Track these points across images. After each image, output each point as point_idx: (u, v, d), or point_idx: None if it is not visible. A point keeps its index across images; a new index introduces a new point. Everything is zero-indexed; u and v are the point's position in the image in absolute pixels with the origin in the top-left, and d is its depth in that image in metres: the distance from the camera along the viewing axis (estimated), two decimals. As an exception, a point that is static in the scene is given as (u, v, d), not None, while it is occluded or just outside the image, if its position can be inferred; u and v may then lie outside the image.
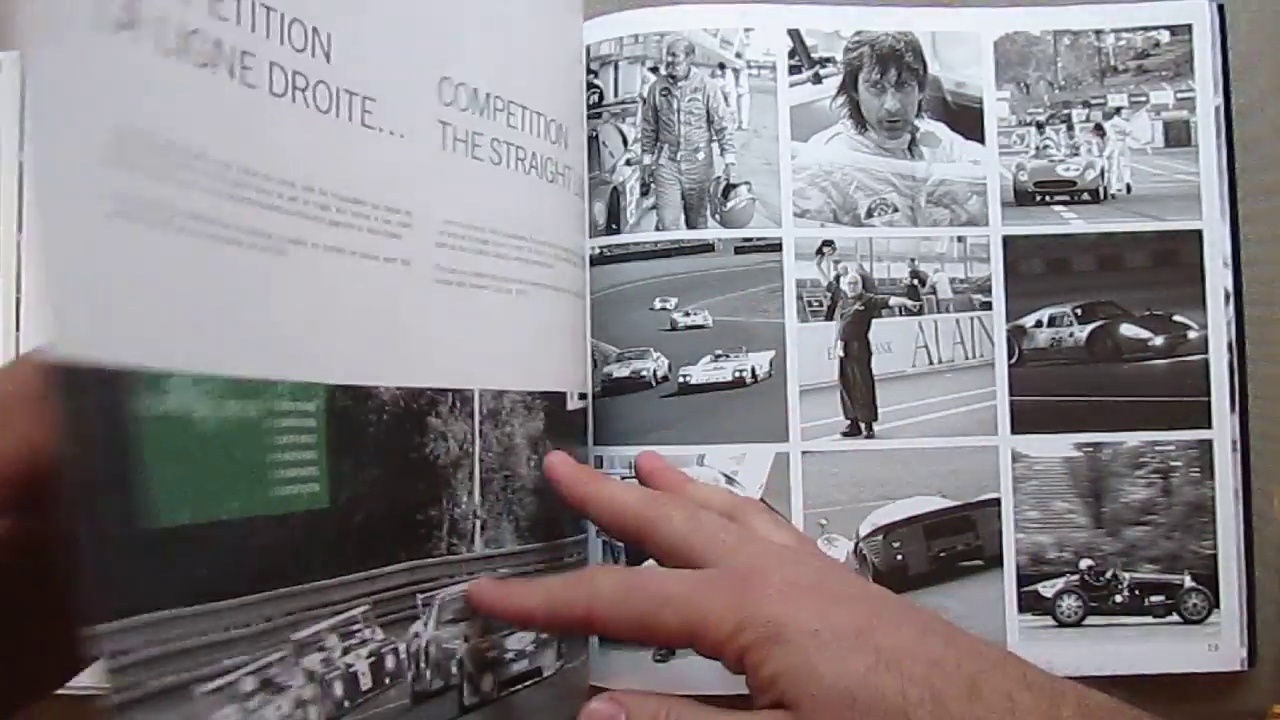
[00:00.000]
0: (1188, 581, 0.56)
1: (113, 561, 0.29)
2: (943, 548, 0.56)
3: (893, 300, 0.58)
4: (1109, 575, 0.56)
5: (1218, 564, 0.56)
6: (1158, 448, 0.56)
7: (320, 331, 0.38)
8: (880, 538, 0.56)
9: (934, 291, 0.58)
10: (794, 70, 0.57)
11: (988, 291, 0.57)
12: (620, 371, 0.56)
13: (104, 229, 0.29)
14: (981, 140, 0.58)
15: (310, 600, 0.36)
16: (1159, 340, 0.56)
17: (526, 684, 0.47)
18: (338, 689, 0.37)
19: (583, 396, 0.53)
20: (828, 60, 0.57)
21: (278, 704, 0.34)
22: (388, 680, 0.40)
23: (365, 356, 0.40)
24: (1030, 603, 0.56)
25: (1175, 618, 0.56)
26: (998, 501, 0.56)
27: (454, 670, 0.43)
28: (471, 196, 0.45)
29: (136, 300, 0.30)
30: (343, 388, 0.38)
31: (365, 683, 0.39)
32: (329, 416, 0.38)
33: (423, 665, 0.42)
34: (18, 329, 0.56)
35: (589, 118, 0.57)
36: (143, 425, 0.30)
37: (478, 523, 0.45)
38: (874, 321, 0.57)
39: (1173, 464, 0.56)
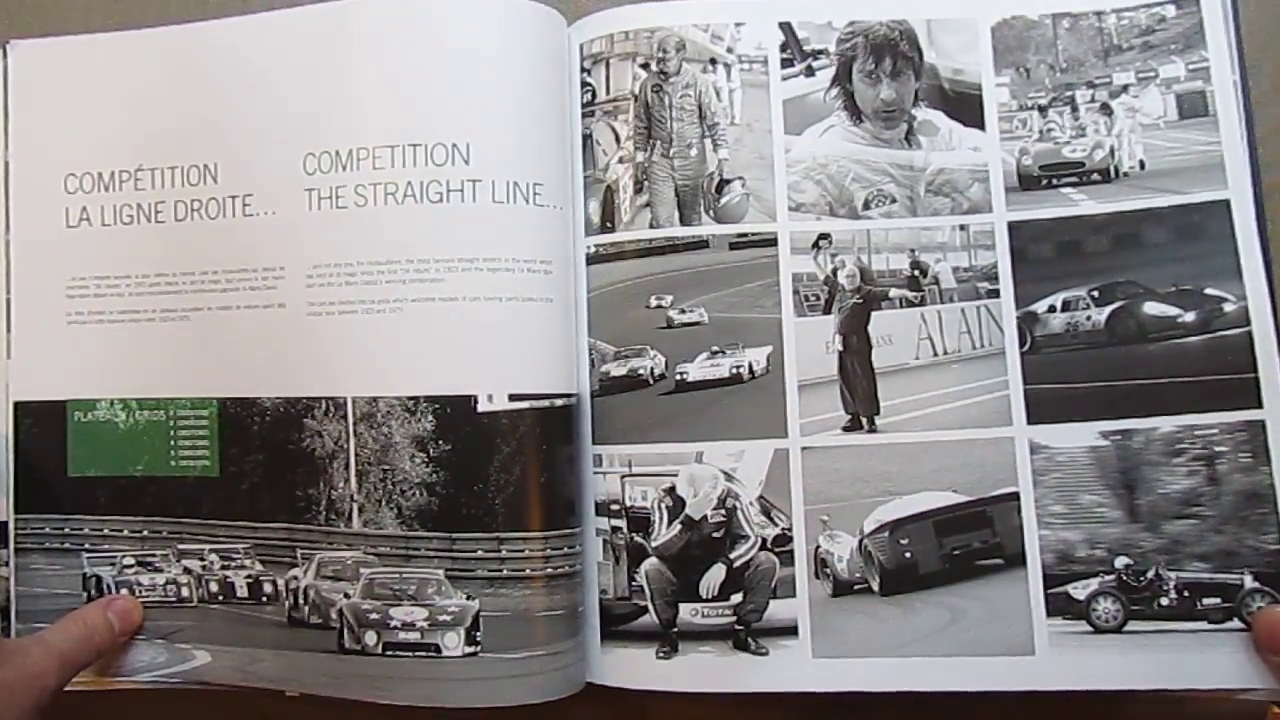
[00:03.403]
0: (1249, 582, 0.50)
1: (44, 489, 0.59)
2: (956, 545, 0.52)
3: (893, 292, 0.56)
4: (1151, 574, 0.51)
5: (1286, 561, 0.50)
6: (1198, 432, 0.51)
7: (214, 364, 0.57)
8: (886, 534, 0.53)
9: (936, 281, 0.56)
10: (786, 64, 0.57)
11: (994, 279, 0.55)
12: (617, 370, 0.56)
13: (65, 332, 0.59)
14: (981, 127, 0.56)
15: (197, 529, 0.58)
16: (1189, 316, 0.52)
17: (419, 654, 0.53)
18: (213, 585, 0.57)
19: (519, 397, 0.53)
20: (820, 52, 0.58)
21: (153, 577, 0.57)
22: (264, 599, 0.56)
23: (249, 377, 0.57)
24: (1060, 605, 0.51)
25: (1237, 623, 0.50)
26: (1016, 495, 0.52)
27: (334, 616, 0.54)
28: (336, 240, 0.55)
29: (84, 365, 0.58)
30: (232, 399, 0.57)
31: (242, 592, 0.57)
32: (221, 417, 0.57)
33: (300, 601, 0.55)
34: (8, 330, 0.59)
35: (582, 116, 0.58)
36: (69, 427, 0.59)
37: (355, 505, 0.54)
38: (874, 314, 0.56)
39: (1217, 449, 0.51)
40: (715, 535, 0.54)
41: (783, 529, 0.53)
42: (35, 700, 0.48)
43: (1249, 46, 0.55)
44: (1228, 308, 0.52)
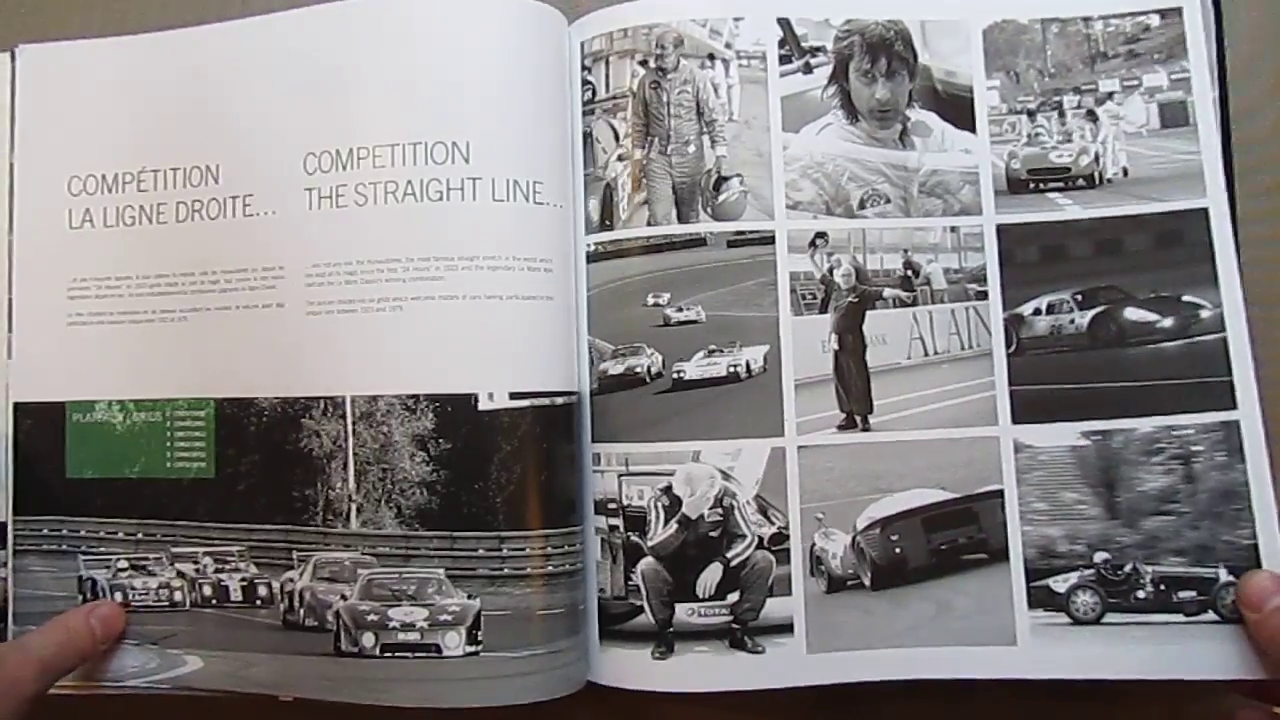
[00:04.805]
0: (1223, 575, 0.52)
1: (43, 491, 0.58)
2: (943, 541, 0.54)
3: (886, 292, 0.57)
4: (1128, 569, 0.53)
5: (1259, 555, 0.52)
6: (1175, 432, 0.54)
7: (212, 364, 0.57)
8: (878, 531, 0.54)
9: (928, 282, 0.57)
10: (784, 60, 0.57)
11: (983, 281, 0.56)
12: (615, 368, 0.56)
13: (66, 333, 0.58)
14: (973, 129, 0.57)
15: (191, 532, 0.57)
16: (1168, 322, 0.54)
17: (419, 655, 0.53)
18: (206, 589, 0.57)
19: (520, 395, 0.53)
20: (818, 49, 0.58)
21: (145, 581, 0.57)
22: (259, 602, 0.56)
23: (246, 377, 0.56)
24: (1041, 598, 0.53)
25: (1211, 615, 0.52)
26: (1001, 493, 0.54)
27: (330, 618, 0.54)
28: (336, 239, 0.55)
29: (83, 366, 0.58)
30: (229, 400, 0.56)
31: (236, 596, 0.56)
32: (218, 418, 0.57)
33: (296, 604, 0.55)
34: (9, 330, 0.59)
35: (583, 114, 0.57)
36: (67, 428, 0.58)
37: (353, 505, 0.54)
38: (868, 313, 0.57)
39: (1194, 449, 0.53)
40: (712, 534, 0.55)
41: (779, 528, 0.54)
42: (12, 708, 0.47)
43: (1246, 49, 0.56)
44: (1204, 314, 0.54)
